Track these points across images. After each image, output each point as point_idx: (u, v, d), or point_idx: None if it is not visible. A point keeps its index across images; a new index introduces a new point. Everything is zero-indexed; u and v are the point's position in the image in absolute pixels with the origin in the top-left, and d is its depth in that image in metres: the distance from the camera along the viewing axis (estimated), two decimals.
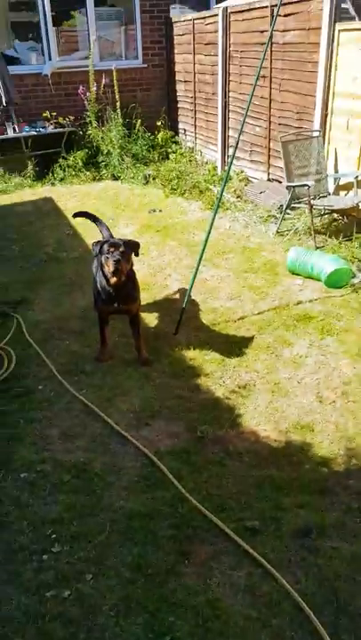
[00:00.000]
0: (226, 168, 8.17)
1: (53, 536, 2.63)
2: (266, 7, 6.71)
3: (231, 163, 4.24)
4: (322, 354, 4.01)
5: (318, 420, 3.35)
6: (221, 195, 4.33)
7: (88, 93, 9.24)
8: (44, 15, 9.13)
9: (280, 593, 2.33)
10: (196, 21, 8.63)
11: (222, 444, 3.19)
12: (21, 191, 8.59)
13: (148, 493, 2.87)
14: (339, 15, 5.73)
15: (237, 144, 4.42)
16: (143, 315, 4.67)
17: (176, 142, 9.75)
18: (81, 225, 6.75)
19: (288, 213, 6.27)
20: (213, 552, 2.53)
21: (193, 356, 4.07)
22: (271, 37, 4.11)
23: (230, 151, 8.12)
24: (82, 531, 2.66)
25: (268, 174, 7.15)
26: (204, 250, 4.23)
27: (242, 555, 2.51)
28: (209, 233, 4.19)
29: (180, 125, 9.95)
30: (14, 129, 8.96)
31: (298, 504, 2.77)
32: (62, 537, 2.63)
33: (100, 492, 2.88)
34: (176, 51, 9.66)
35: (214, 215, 4.17)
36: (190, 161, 9.04)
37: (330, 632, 2.16)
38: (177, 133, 9.99)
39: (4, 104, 8.72)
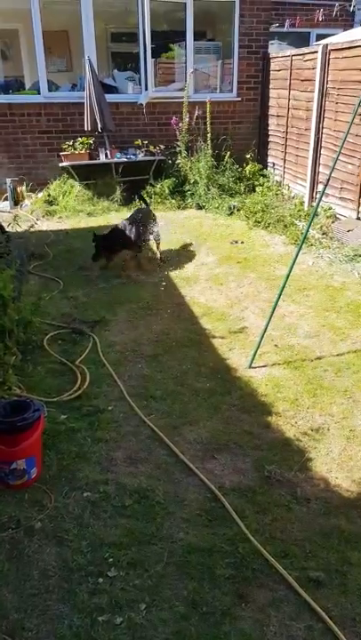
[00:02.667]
0: (313, 204, 8.09)
1: (110, 559, 2.61)
2: None
3: (320, 199, 4.17)
4: None
5: None
6: (308, 230, 4.25)
7: (180, 124, 9.48)
8: (144, 47, 9.42)
9: None
10: (294, 57, 8.69)
11: (290, 487, 3.08)
12: (108, 215, 8.83)
13: (209, 528, 2.80)
14: None
15: (328, 181, 4.36)
16: (216, 345, 4.65)
17: (264, 175, 9.78)
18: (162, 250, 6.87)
19: None
20: (272, 599, 2.42)
21: (265, 392, 3.99)
22: None
23: (320, 187, 8.03)
24: (139, 558, 2.62)
25: (358, 212, 7.00)
26: (285, 284, 4.16)
27: (303, 606, 2.39)
28: (292, 267, 4.12)
29: (269, 159, 9.98)
30: (106, 155, 9.29)
31: None
32: (119, 562, 2.60)
33: (161, 521, 2.84)
34: (271, 85, 9.75)
35: (299, 250, 4.10)
36: (277, 195, 9.01)
37: None
38: (265, 167, 10.02)
39: (99, 130, 9.08)
